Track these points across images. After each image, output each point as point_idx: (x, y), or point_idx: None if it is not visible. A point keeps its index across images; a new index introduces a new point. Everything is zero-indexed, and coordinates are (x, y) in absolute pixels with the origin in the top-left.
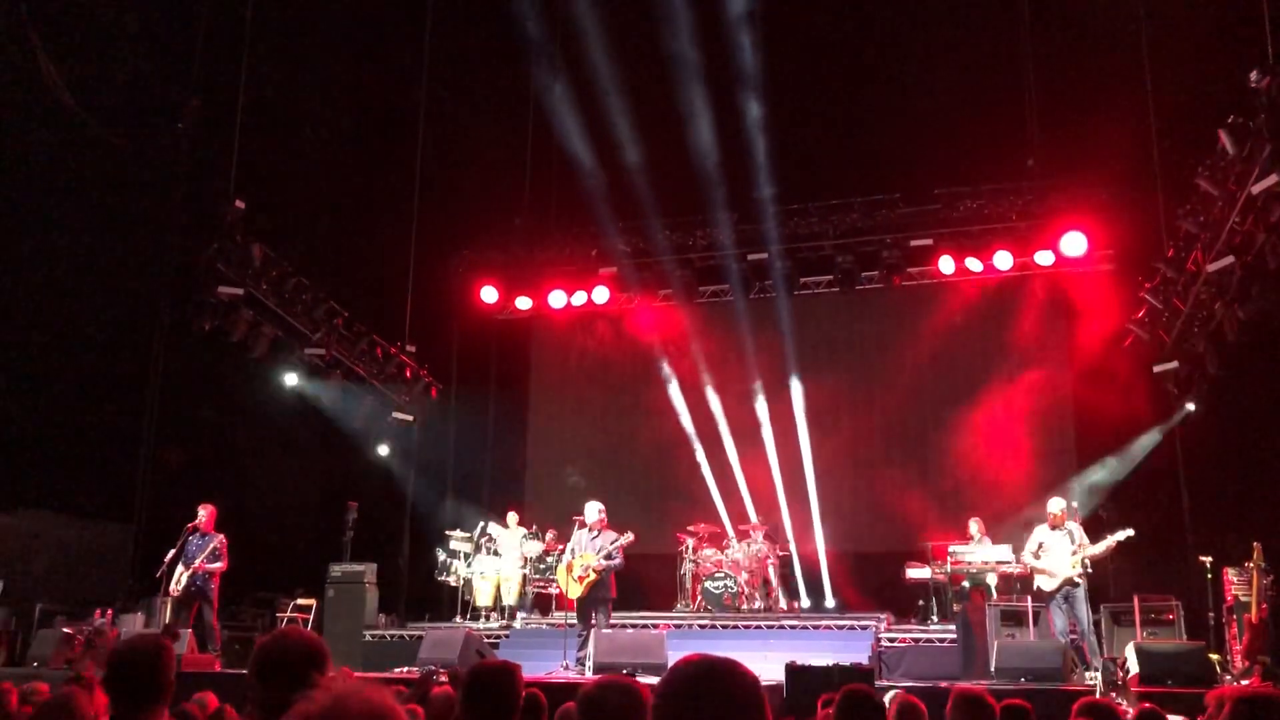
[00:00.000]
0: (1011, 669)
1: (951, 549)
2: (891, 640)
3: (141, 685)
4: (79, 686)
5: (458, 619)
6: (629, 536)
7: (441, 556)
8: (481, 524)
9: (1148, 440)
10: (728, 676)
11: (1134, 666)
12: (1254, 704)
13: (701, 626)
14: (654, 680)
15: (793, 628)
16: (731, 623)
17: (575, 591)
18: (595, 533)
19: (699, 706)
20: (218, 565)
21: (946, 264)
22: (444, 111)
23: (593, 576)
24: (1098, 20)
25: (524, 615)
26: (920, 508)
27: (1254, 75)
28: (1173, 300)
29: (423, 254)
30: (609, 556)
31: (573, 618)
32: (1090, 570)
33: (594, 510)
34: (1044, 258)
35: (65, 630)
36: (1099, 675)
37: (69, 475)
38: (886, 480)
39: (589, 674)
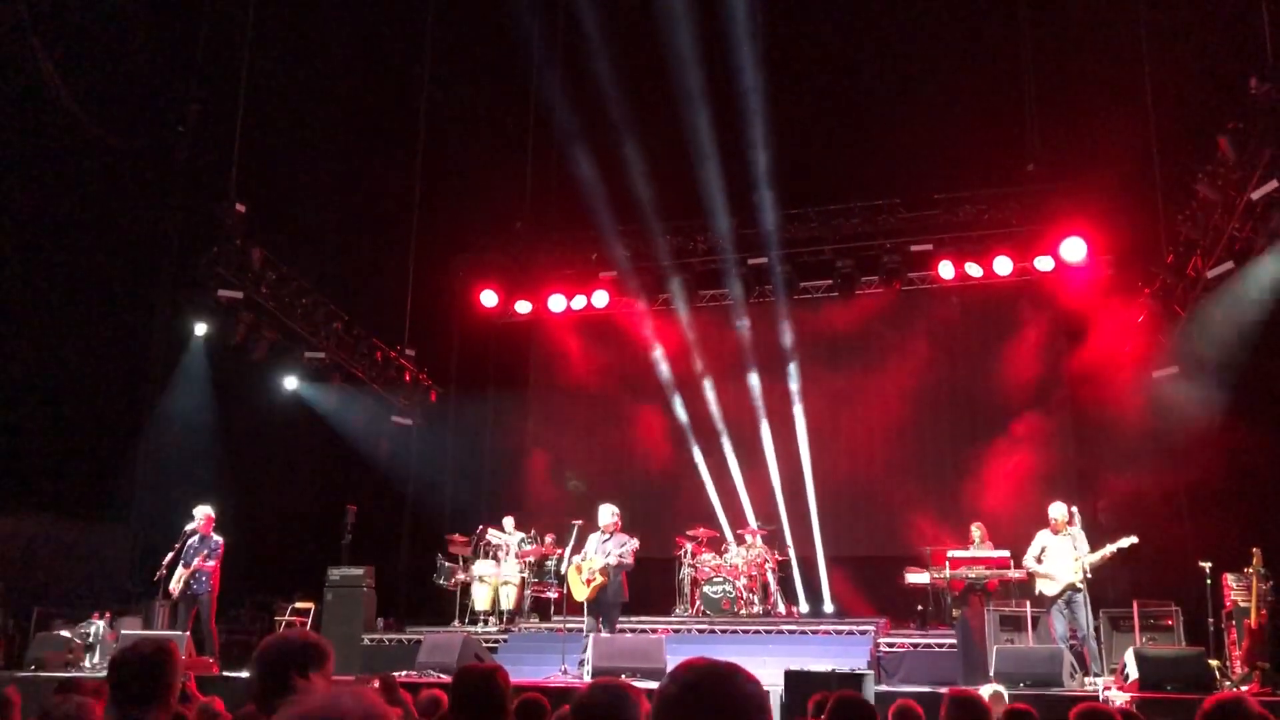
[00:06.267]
0: (1011, 674)
1: (950, 554)
2: (890, 645)
3: (143, 687)
4: (90, 695)
5: (456, 623)
6: (635, 543)
7: (440, 560)
8: (480, 528)
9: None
10: (730, 681)
11: (1133, 672)
12: (1224, 706)
13: (700, 631)
14: (652, 685)
15: (791, 633)
16: (730, 627)
17: (582, 594)
18: (608, 536)
19: (700, 711)
20: (212, 563)
21: (946, 269)
22: (445, 115)
23: (599, 580)
24: (1098, 25)
25: (522, 620)
26: (919, 512)
27: (1254, 82)
28: (1172, 306)
29: (423, 257)
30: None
31: (571, 622)
32: (1090, 575)
33: (608, 514)
34: (1044, 263)
35: (63, 633)
36: (1099, 681)
37: (68, 478)
38: (885, 484)
39: (588, 679)
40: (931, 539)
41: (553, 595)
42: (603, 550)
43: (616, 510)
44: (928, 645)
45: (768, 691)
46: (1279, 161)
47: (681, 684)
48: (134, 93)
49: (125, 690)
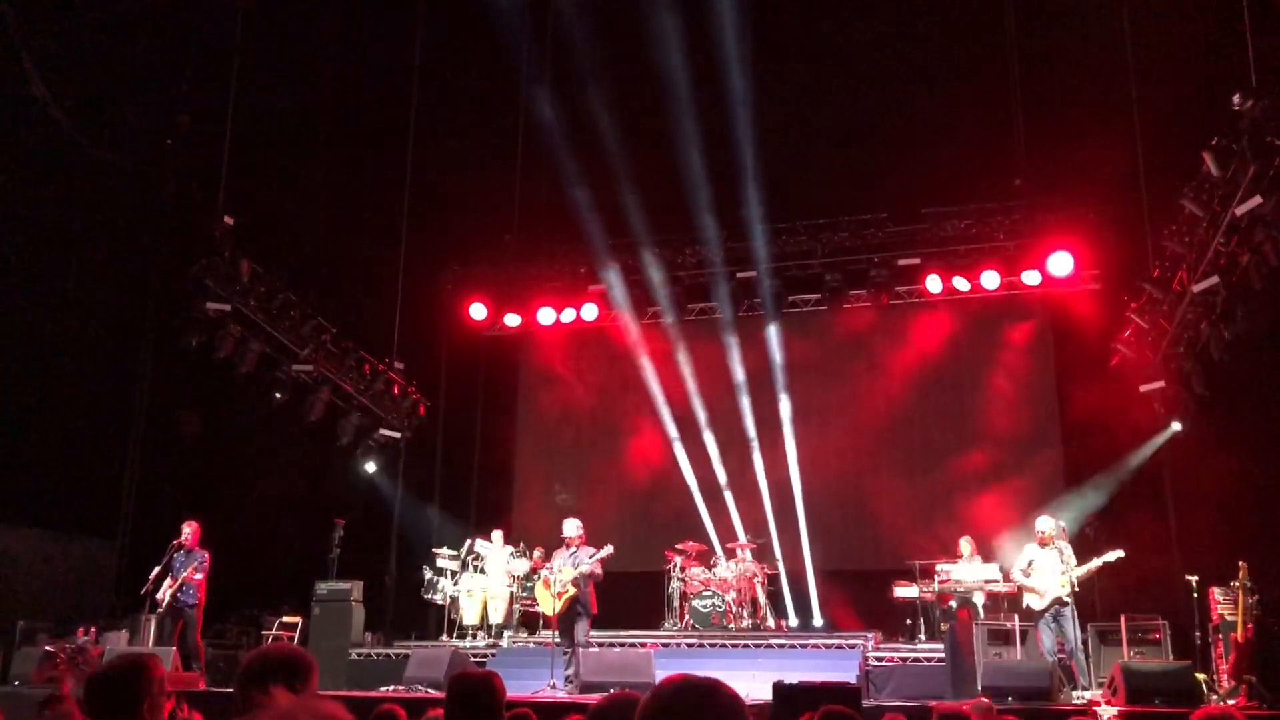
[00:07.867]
0: (999, 688)
1: (939, 568)
2: (879, 659)
3: (120, 704)
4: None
5: (444, 637)
6: (608, 549)
7: (428, 574)
8: (468, 542)
9: (1135, 459)
10: (709, 696)
11: (1120, 686)
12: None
13: (689, 645)
14: None
15: (780, 647)
16: (719, 641)
17: (553, 608)
18: (574, 549)
19: None
20: (199, 577)
21: (934, 283)
22: (434, 128)
23: (570, 591)
24: (1084, 42)
25: (510, 633)
26: (908, 526)
27: (1237, 98)
28: (1159, 320)
29: (411, 270)
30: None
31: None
32: (1078, 589)
33: (572, 527)
34: (1031, 277)
35: (47, 648)
36: (1086, 695)
37: (52, 491)
38: (875, 498)
39: (576, 693)
40: (921, 553)
41: (540, 609)
42: (571, 562)
43: (580, 523)
44: (916, 659)
45: (749, 706)
46: (1263, 177)
47: (660, 700)
48: (123, 106)
49: (99, 706)
